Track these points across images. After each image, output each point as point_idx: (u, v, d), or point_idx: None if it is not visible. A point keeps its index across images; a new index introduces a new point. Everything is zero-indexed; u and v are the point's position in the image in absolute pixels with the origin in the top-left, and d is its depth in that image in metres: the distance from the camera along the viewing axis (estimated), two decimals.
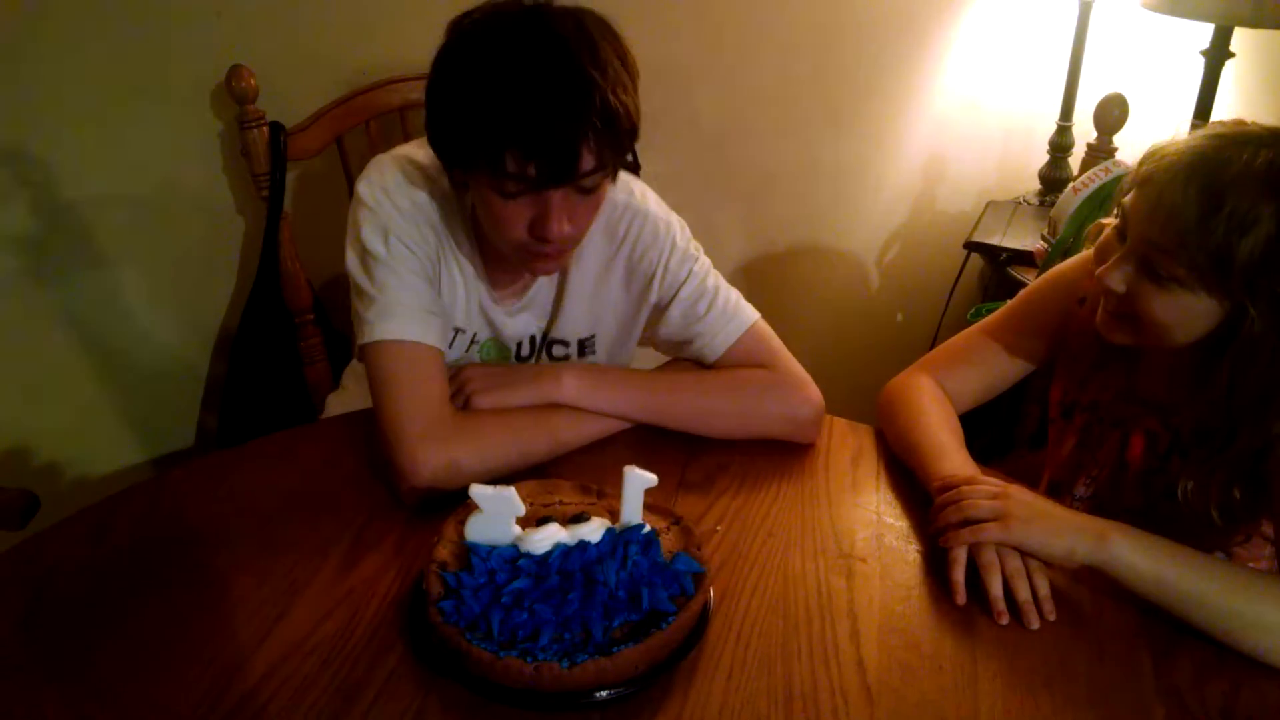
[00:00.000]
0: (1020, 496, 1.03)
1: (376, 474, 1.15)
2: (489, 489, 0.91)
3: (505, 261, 1.20)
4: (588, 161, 1.02)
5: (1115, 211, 1.08)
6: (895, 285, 2.33)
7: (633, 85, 1.05)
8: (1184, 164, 0.98)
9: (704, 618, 0.93)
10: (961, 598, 0.99)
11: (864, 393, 1.41)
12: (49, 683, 0.89)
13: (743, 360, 1.25)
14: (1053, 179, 2.02)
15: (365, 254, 1.14)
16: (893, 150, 2.15)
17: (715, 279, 1.27)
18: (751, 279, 2.28)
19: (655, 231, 1.25)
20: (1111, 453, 1.20)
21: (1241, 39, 1.73)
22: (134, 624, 0.95)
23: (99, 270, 1.80)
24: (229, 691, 0.88)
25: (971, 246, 1.93)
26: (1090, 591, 1.01)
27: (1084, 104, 1.93)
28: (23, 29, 1.59)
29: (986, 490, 1.04)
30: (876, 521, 1.12)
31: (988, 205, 2.08)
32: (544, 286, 1.28)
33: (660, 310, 1.27)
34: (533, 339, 1.32)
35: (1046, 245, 1.77)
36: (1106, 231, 1.11)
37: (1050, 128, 2.01)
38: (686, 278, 1.25)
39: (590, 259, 1.26)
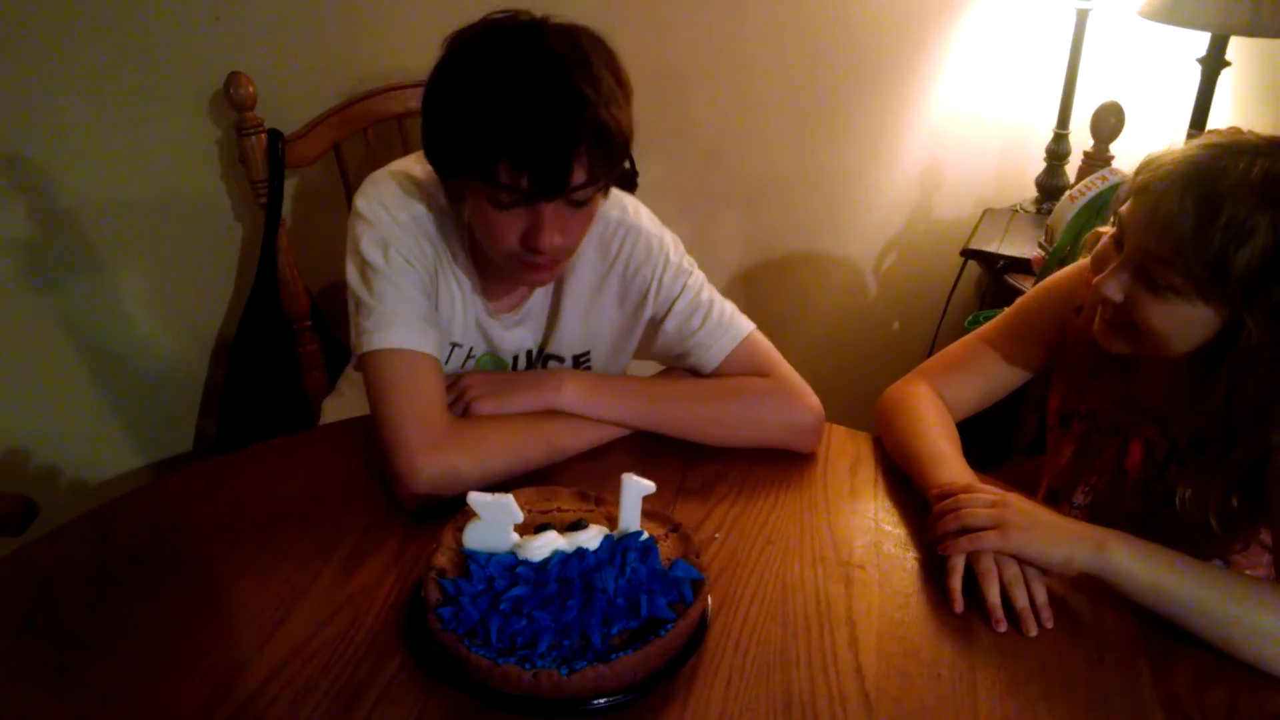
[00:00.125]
0: (1018, 505, 1.03)
1: (375, 480, 1.15)
2: (487, 496, 0.91)
3: (500, 274, 1.21)
4: (579, 176, 1.03)
5: (1112, 220, 1.09)
6: (892, 293, 2.33)
7: (626, 102, 1.07)
8: (1180, 173, 0.98)
9: (702, 625, 0.93)
10: (959, 606, 0.99)
11: (862, 400, 1.42)
12: (50, 687, 0.89)
13: (739, 371, 1.25)
14: (1050, 187, 2.03)
15: (365, 265, 1.15)
16: (890, 158, 2.16)
17: (709, 292, 1.28)
18: (749, 286, 2.29)
19: (648, 248, 1.25)
20: (1110, 460, 1.20)
21: (1237, 47, 1.74)
22: (134, 628, 0.95)
23: (97, 276, 1.80)
24: (229, 696, 0.88)
25: (968, 254, 1.94)
26: (1089, 599, 1.01)
27: (1081, 112, 1.94)
28: (21, 35, 1.59)
29: (984, 498, 1.04)
30: (875, 529, 1.12)
31: (985, 213, 2.09)
32: (539, 301, 1.29)
33: (655, 324, 1.28)
34: (529, 354, 1.33)
35: (1043, 253, 1.77)
36: (1103, 240, 1.11)
37: (1047, 136, 2.02)
38: (680, 292, 1.26)
39: (584, 276, 1.27)
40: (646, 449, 1.21)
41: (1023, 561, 1.00)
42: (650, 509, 0.97)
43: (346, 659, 0.91)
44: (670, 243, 1.27)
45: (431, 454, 1.08)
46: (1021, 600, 0.97)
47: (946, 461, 1.14)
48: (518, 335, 1.30)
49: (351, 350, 1.19)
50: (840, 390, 1.52)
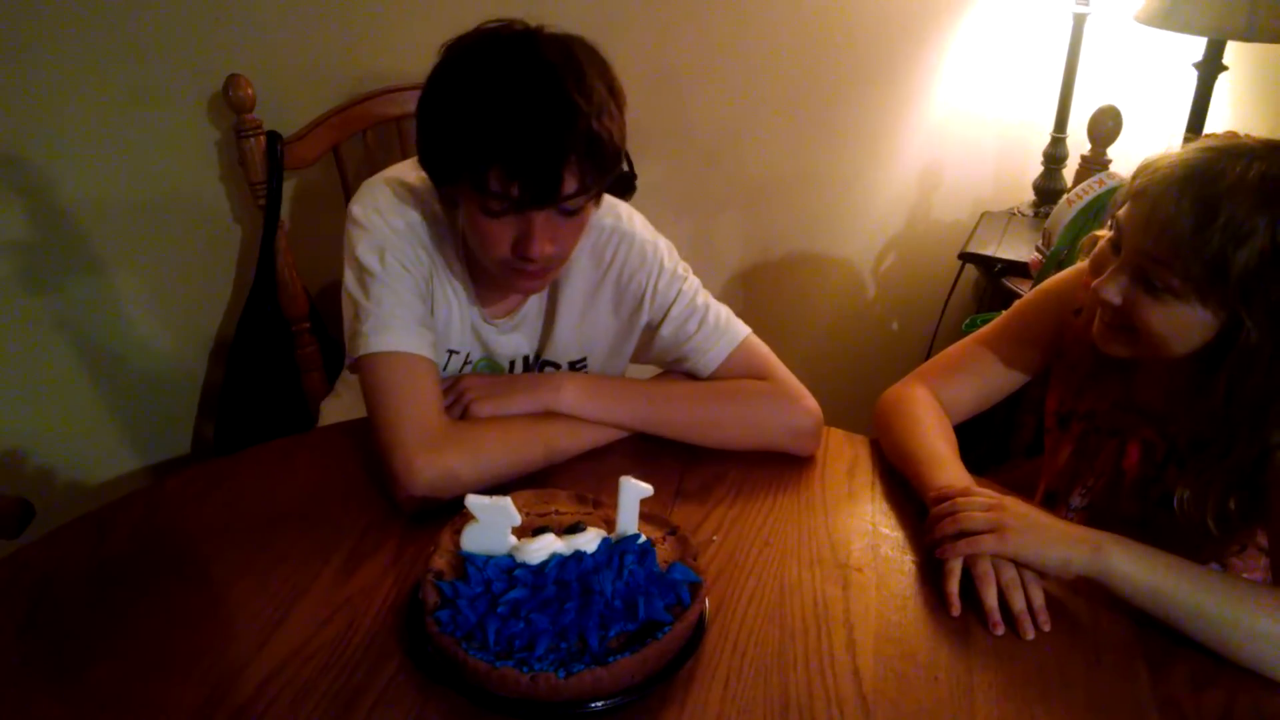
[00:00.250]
0: (1016, 508, 1.03)
1: (373, 482, 1.15)
2: (485, 499, 0.91)
3: (494, 281, 1.22)
4: (570, 185, 1.04)
5: (1110, 224, 1.09)
6: (890, 295, 2.33)
7: (619, 112, 1.08)
8: (1178, 176, 0.98)
9: (700, 627, 0.93)
10: (956, 610, 0.99)
11: (859, 403, 1.42)
12: (49, 687, 0.89)
13: (736, 375, 1.25)
14: (1047, 190, 2.03)
15: (361, 270, 1.16)
16: (888, 160, 2.16)
17: (705, 297, 1.28)
18: (747, 288, 2.29)
19: (643, 254, 1.26)
20: (1108, 462, 1.20)
21: (1234, 52, 1.75)
22: (133, 630, 0.95)
23: (96, 277, 1.80)
24: (228, 696, 0.88)
25: (966, 257, 1.94)
26: (1086, 602, 1.01)
27: (1078, 116, 1.94)
28: (21, 36, 1.59)
29: (982, 501, 1.04)
30: (872, 531, 1.12)
31: (983, 216, 2.09)
32: (534, 307, 1.29)
33: (651, 330, 1.28)
34: (525, 360, 1.33)
35: (1041, 256, 1.78)
36: (1101, 243, 1.12)
37: (1045, 139, 2.02)
38: (676, 297, 1.26)
39: (578, 283, 1.28)
40: (644, 451, 1.22)
41: (1020, 565, 1.00)
42: (648, 511, 0.98)
43: (345, 660, 0.92)
44: (664, 248, 1.28)
45: (429, 456, 1.08)
46: (1019, 603, 0.97)
47: (944, 464, 1.14)
48: (513, 341, 1.31)
49: (347, 353, 1.19)
50: (838, 392, 1.52)
